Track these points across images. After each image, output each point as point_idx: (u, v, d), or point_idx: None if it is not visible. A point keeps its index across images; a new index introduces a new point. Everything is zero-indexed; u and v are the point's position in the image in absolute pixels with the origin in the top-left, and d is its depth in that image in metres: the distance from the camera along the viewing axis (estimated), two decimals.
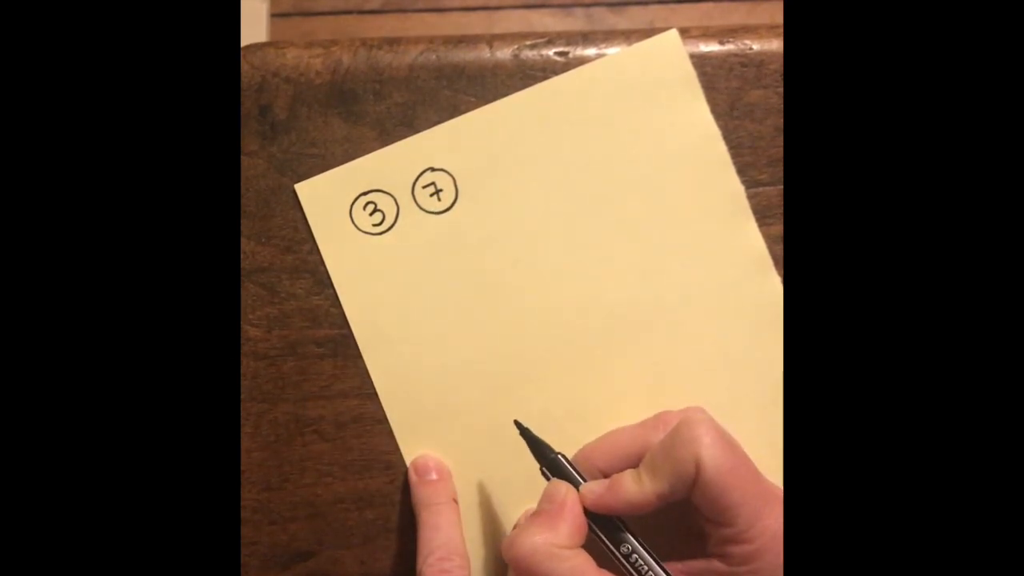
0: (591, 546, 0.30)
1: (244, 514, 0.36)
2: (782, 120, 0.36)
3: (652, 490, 0.29)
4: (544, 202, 0.36)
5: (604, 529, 0.30)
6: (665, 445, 0.29)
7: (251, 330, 0.36)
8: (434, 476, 0.34)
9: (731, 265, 0.36)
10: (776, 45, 0.36)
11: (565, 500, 0.30)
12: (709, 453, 0.28)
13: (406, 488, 0.36)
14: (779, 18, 0.34)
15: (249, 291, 0.36)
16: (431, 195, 0.36)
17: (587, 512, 0.30)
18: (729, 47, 0.36)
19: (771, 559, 0.28)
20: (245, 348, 0.36)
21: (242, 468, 0.36)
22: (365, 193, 0.36)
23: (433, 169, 0.36)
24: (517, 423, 0.33)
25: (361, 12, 1.24)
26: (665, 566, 0.29)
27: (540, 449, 0.32)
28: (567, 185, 0.36)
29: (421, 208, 0.36)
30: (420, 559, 0.32)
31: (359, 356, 0.36)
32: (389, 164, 0.36)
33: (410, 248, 0.36)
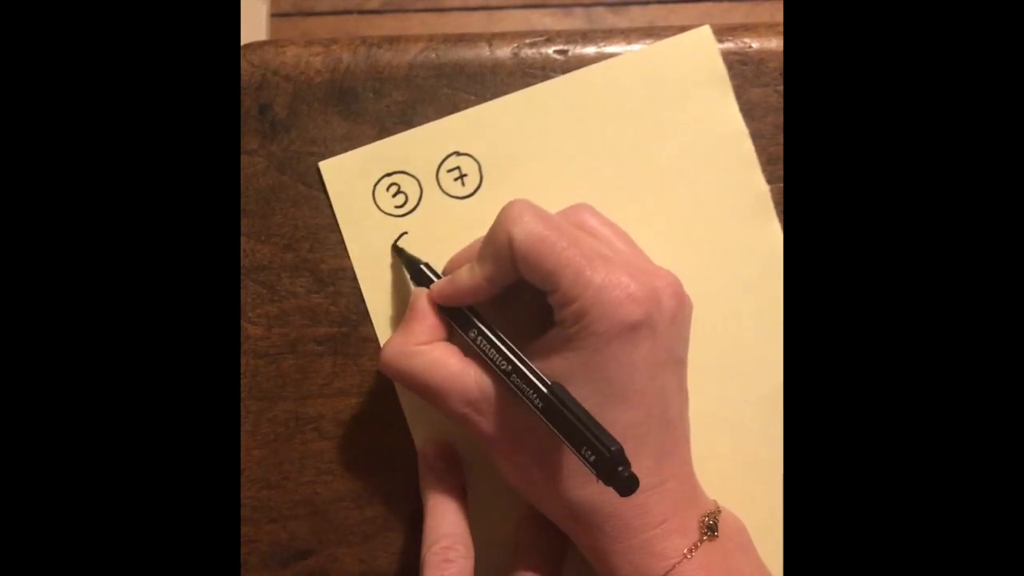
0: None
1: (244, 512, 0.36)
2: (782, 118, 0.36)
3: (481, 275, 0.31)
4: (569, 192, 0.36)
5: (458, 321, 0.32)
6: (488, 232, 0.31)
7: (251, 328, 0.36)
8: (443, 463, 0.34)
9: (752, 264, 0.36)
10: (776, 43, 0.36)
11: (417, 302, 0.33)
12: (518, 228, 0.29)
13: (406, 486, 0.36)
14: (779, 17, 0.34)
15: (249, 289, 0.36)
16: (455, 179, 0.36)
17: (445, 309, 0.33)
18: (728, 45, 0.36)
19: (597, 311, 0.29)
20: (245, 346, 0.36)
21: (242, 466, 0.36)
22: (389, 174, 0.36)
23: (459, 153, 0.36)
24: (394, 244, 0.35)
25: (361, 12, 1.24)
26: (509, 342, 0.31)
27: (409, 261, 0.35)
28: (593, 176, 0.36)
29: (445, 192, 0.36)
30: (424, 547, 0.32)
31: (359, 354, 0.36)
32: (415, 146, 0.36)
33: (431, 231, 0.36)
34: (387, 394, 0.36)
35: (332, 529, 0.36)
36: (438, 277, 0.34)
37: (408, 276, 0.35)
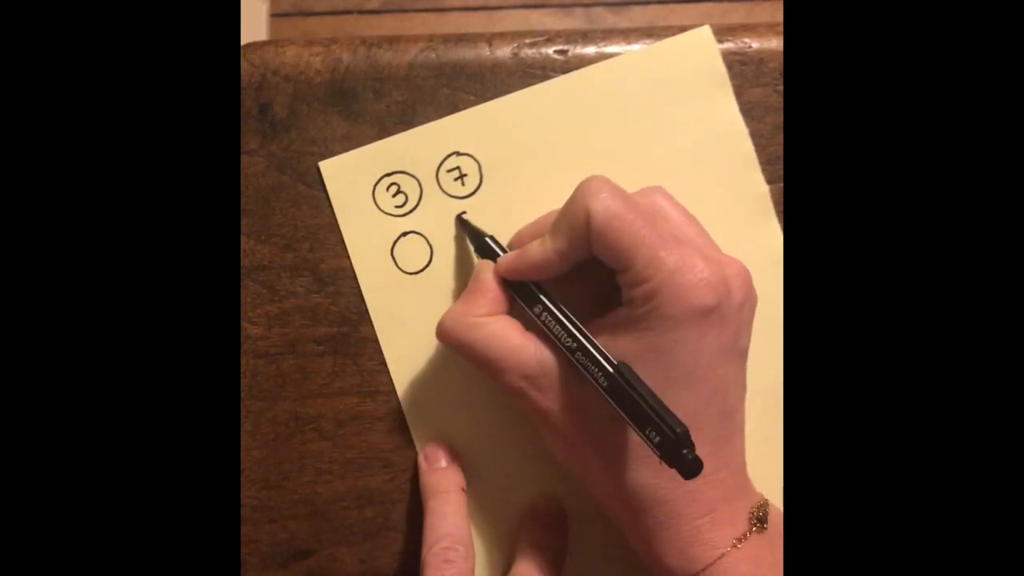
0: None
1: (244, 512, 0.36)
2: (781, 118, 0.36)
3: (552, 249, 0.31)
4: (569, 192, 0.36)
5: (522, 295, 0.32)
6: (564, 206, 0.31)
7: (251, 328, 0.36)
8: (443, 464, 0.34)
9: (752, 264, 0.36)
10: (775, 43, 0.36)
11: (481, 274, 0.33)
12: (597, 203, 0.29)
13: (406, 485, 0.36)
14: (779, 17, 0.34)
15: (249, 289, 0.36)
16: (455, 179, 0.36)
17: (510, 283, 0.32)
18: (728, 45, 0.36)
19: (669, 293, 0.28)
20: (245, 346, 0.36)
21: (242, 466, 0.36)
22: (389, 174, 0.36)
23: (459, 153, 0.36)
24: (459, 216, 0.35)
25: (361, 12, 1.24)
26: (574, 319, 0.31)
27: (474, 234, 0.35)
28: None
29: (444, 192, 0.36)
30: (425, 547, 0.32)
31: (359, 354, 0.36)
32: (415, 146, 0.36)
33: (431, 231, 0.36)
34: (387, 394, 0.36)
35: (332, 529, 0.36)
36: (503, 251, 0.33)
37: (472, 249, 0.35)
